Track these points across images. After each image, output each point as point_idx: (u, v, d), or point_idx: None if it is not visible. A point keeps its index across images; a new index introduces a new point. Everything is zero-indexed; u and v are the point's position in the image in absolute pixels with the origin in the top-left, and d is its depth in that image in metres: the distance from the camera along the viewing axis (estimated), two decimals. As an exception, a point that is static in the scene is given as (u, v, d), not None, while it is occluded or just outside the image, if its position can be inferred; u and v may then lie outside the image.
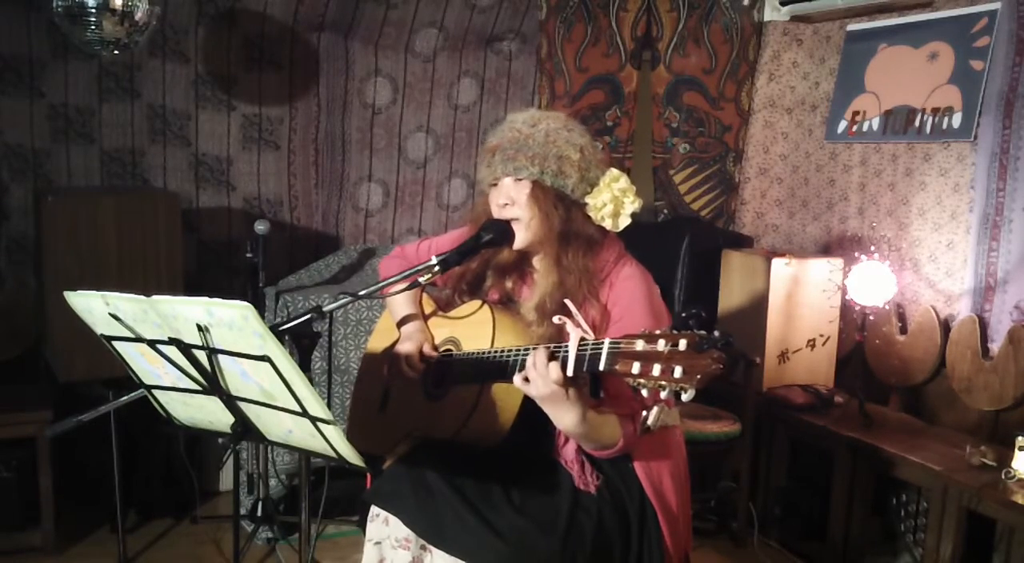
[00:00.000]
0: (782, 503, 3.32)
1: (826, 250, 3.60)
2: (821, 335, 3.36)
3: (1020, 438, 2.57)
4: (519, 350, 1.72)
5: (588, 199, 1.84)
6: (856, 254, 3.21)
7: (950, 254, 3.12)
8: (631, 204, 1.85)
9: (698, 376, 1.37)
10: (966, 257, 3.06)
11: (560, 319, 1.62)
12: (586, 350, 1.55)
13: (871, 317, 3.17)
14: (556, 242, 1.83)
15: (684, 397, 1.40)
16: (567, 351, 1.57)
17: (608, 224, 1.85)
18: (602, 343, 1.52)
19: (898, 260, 3.26)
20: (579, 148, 1.84)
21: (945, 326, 3.10)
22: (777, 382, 3.31)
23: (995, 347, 2.92)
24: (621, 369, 1.47)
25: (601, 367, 1.51)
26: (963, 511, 2.63)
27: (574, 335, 1.57)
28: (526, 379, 1.61)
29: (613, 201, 1.83)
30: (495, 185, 1.88)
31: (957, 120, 3.08)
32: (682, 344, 1.40)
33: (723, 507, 3.38)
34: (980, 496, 2.55)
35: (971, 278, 3.04)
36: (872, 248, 3.14)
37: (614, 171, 1.86)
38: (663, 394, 1.42)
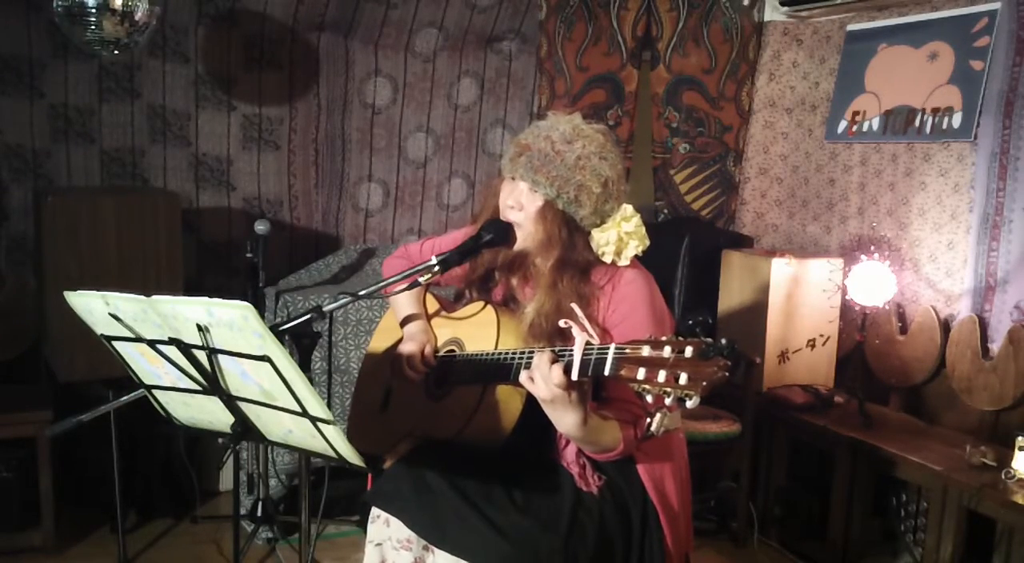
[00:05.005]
0: (782, 503, 3.32)
1: (826, 250, 3.60)
2: (821, 335, 3.36)
3: (1020, 438, 2.57)
4: (523, 352, 1.72)
5: (594, 231, 1.83)
6: (856, 254, 3.21)
7: (950, 254, 3.12)
8: (635, 247, 1.83)
9: (703, 383, 1.37)
10: (966, 257, 3.06)
11: (566, 323, 1.62)
12: (591, 355, 1.54)
13: (871, 317, 3.17)
14: (553, 265, 1.83)
15: (688, 403, 1.39)
16: (572, 355, 1.57)
17: (607, 259, 1.83)
18: (607, 348, 1.51)
19: (898, 260, 3.26)
20: (604, 181, 1.80)
21: (945, 326, 3.10)
22: (777, 382, 3.31)
23: (995, 347, 2.92)
24: (626, 374, 1.46)
25: (606, 372, 1.50)
26: (963, 511, 2.63)
27: (579, 339, 1.56)
28: (531, 378, 1.61)
29: (617, 241, 1.82)
30: (513, 179, 1.87)
31: (957, 120, 3.08)
32: (688, 351, 1.39)
33: (723, 507, 3.38)
34: (980, 496, 2.55)
35: (971, 278, 3.04)
36: (872, 248, 3.14)
37: (628, 209, 1.84)
38: (667, 400, 1.41)
